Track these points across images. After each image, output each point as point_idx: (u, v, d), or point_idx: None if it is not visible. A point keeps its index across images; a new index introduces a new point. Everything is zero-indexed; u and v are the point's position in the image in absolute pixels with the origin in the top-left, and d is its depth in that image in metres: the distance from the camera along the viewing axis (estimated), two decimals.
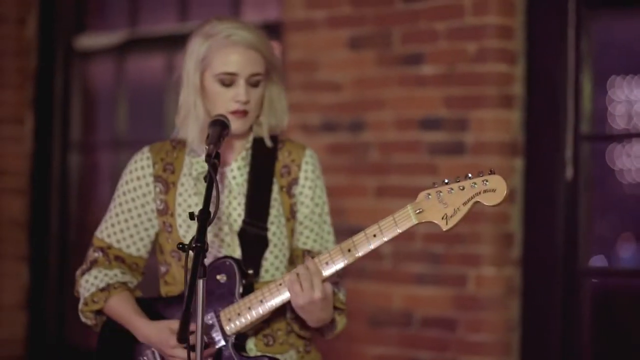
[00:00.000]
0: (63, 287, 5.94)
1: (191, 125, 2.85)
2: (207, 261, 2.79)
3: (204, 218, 2.51)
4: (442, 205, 2.64)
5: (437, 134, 4.41)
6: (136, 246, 2.93)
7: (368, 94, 4.61)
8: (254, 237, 2.84)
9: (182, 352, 2.70)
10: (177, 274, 2.89)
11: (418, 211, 2.66)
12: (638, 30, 4.54)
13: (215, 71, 2.81)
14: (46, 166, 6.07)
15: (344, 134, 4.67)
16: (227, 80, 2.81)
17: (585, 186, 4.26)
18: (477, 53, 4.31)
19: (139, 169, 2.92)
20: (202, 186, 2.86)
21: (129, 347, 2.84)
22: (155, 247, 2.96)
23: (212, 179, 2.58)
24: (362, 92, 4.63)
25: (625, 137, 5.53)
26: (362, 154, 4.61)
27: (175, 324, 2.67)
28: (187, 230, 2.85)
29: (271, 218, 2.86)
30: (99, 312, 2.90)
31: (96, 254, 2.92)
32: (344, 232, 3.31)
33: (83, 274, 2.92)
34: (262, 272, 2.86)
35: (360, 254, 2.70)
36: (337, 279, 2.85)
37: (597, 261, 4.59)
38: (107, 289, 2.87)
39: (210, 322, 2.77)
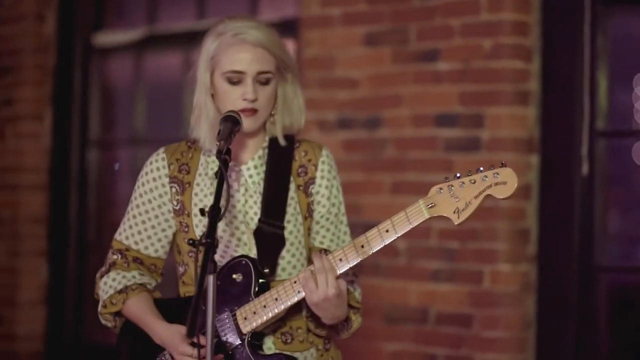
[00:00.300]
0: (82, 283, 5.96)
1: (203, 124, 2.85)
2: (224, 261, 2.81)
3: (214, 214, 2.51)
4: (454, 199, 2.64)
5: (452, 131, 4.42)
6: (154, 247, 2.93)
7: (384, 90, 4.62)
8: (270, 236, 2.83)
9: (189, 359, 2.71)
10: (194, 274, 2.89)
11: (430, 205, 2.66)
12: None
13: (223, 69, 2.80)
14: (65, 162, 6.08)
15: (360, 130, 4.68)
16: (235, 79, 2.80)
17: (601, 182, 4.26)
18: (493, 49, 4.31)
19: (155, 170, 2.92)
20: None
21: (147, 347, 2.85)
22: (173, 247, 2.96)
23: (222, 175, 2.58)
24: (378, 88, 4.64)
25: None
26: (378, 150, 4.62)
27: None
28: (203, 230, 2.82)
29: (288, 217, 2.85)
30: (118, 314, 2.91)
31: (114, 257, 2.93)
32: (360, 228, 3.31)
33: (102, 276, 2.93)
34: (279, 271, 2.85)
35: (373, 250, 2.70)
36: (352, 277, 2.85)
37: (616, 258, 4.56)
38: (124, 290, 2.87)
39: (227, 320, 2.77)
